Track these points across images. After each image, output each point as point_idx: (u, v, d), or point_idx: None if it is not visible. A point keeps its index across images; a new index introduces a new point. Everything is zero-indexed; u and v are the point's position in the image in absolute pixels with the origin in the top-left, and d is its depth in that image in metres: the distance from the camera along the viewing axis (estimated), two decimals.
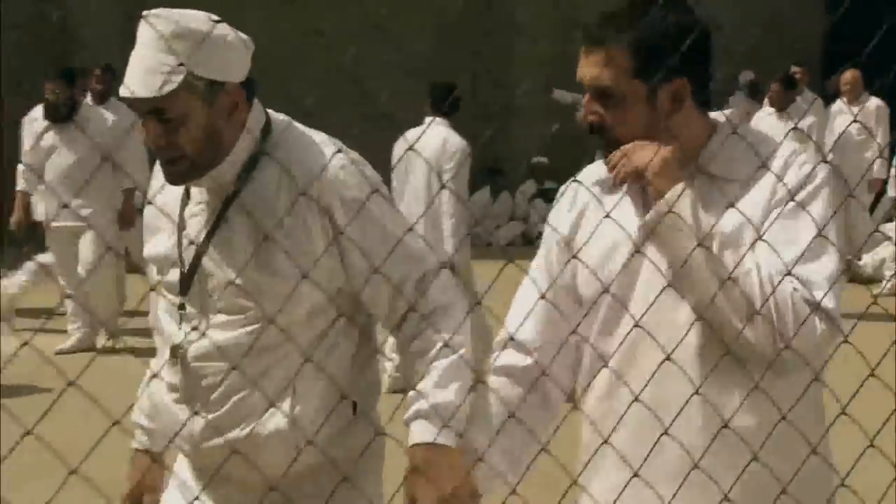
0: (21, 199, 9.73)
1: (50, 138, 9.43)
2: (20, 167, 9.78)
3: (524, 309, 2.60)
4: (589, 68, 2.43)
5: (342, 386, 2.70)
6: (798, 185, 2.39)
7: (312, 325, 2.67)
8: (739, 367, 2.36)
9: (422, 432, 2.59)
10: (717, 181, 2.44)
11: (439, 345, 2.64)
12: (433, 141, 8.04)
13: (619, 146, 2.43)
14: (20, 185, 9.77)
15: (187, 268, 2.69)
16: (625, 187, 2.51)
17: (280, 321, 2.57)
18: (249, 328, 2.64)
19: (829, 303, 2.32)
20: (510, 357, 2.63)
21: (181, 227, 2.71)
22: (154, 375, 2.76)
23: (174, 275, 2.71)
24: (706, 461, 2.34)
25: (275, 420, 2.66)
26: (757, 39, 16.20)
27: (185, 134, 2.56)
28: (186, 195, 2.73)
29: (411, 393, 2.65)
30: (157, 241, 2.77)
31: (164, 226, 2.75)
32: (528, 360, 2.60)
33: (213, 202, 2.69)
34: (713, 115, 2.53)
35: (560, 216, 2.63)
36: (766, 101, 11.96)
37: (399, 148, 8.07)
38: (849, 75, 12.33)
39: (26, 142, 9.55)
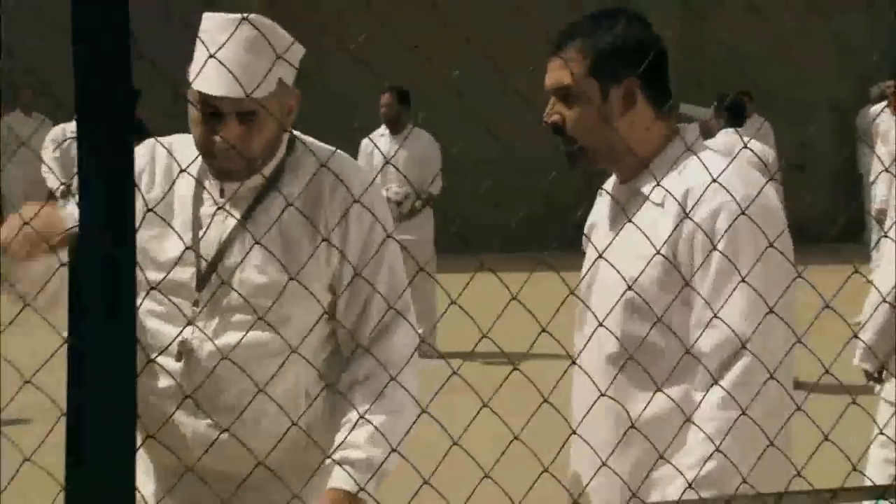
0: None
1: None
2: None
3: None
4: (552, 73, 2.65)
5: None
6: (719, 238, 2.48)
7: (322, 328, 2.71)
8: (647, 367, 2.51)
9: (346, 479, 2.59)
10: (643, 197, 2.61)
11: (389, 402, 2.65)
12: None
13: (577, 143, 2.62)
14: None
15: (205, 266, 2.67)
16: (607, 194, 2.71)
17: (297, 322, 2.62)
18: (265, 328, 2.62)
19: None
20: None
21: (198, 225, 2.70)
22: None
23: (181, 273, 2.66)
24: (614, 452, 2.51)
25: (287, 422, 2.60)
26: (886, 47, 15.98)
27: (260, 136, 2.61)
28: (199, 194, 2.72)
29: (347, 436, 2.64)
30: (162, 237, 2.70)
31: (163, 224, 2.66)
32: None
33: (236, 202, 2.70)
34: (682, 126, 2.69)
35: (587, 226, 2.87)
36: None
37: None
38: None
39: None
